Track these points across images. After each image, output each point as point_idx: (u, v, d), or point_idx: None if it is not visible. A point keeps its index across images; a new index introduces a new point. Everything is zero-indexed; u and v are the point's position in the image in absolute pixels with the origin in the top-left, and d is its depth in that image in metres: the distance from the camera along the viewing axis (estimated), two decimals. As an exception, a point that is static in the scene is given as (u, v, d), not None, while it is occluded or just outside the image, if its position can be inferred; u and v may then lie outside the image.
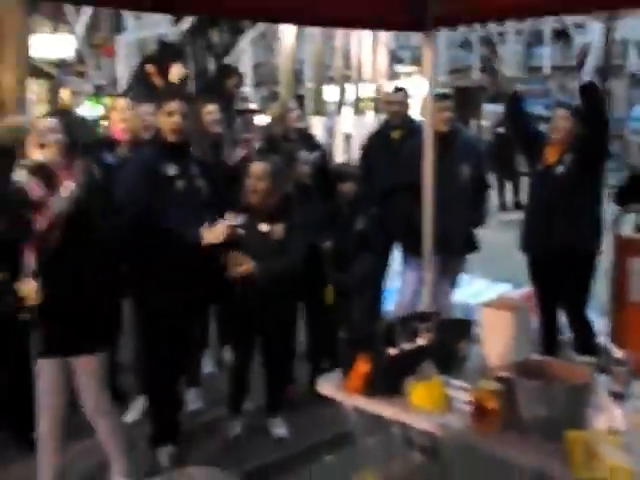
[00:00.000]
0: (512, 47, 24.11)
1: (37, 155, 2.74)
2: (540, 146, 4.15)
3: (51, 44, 11.23)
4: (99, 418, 2.96)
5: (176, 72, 4.89)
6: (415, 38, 23.65)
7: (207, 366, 4.42)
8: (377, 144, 4.87)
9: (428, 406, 2.37)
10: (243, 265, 3.34)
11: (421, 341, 2.67)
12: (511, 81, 4.79)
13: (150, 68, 4.88)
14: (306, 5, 3.00)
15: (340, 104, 12.66)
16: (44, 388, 2.85)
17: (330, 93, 15.05)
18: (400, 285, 4.61)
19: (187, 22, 11.22)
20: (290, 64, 10.77)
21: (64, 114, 3.04)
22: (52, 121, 2.81)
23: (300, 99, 14.63)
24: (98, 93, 13.68)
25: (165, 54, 5.32)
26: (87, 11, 10.79)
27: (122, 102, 3.99)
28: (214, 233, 3.18)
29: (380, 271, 4.71)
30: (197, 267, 3.42)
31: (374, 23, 3.86)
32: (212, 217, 3.49)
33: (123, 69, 14.23)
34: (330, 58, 15.49)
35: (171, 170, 3.45)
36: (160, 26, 16.96)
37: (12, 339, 3.10)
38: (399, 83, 16.24)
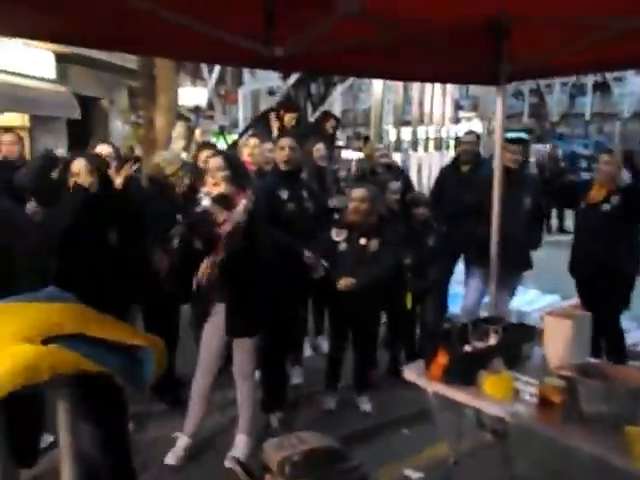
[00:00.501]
0: (557, 96, 23.20)
1: (215, 189, 2.88)
2: (578, 196, 4.05)
3: (190, 95, 11.74)
4: (241, 380, 3.04)
5: (288, 119, 5.03)
6: (474, 89, 23.29)
7: (306, 350, 4.46)
8: (449, 175, 4.80)
9: (499, 395, 2.29)
10: (345, 279, 3.36)
11: (492, 341, 2.59)
12: (556, 125, 4.69)
13: (272, 115, 5.06)
14: (398, 63, 3.01)
15: (413, 143, 12.54)
16: (207, 350, 2.98)
17: (406, 133, 14.95)
18: (465, 291, 4.50)
19: (293, 77, 11.46)
20: (379, 109, 10.79)
21: (223, 153, 3.14)
22: (217, 160, 2.93)
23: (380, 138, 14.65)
24: (221, 131, 14.10)
25: (283, 105, 5.50)
26: (217, 69, 11.22)
27: (252, 140, 4.10)
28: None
29: (447, 279, 4.64)
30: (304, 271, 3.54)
31: (455, 78, 3.80)
32: (316, 233, 3.58)
33: (242, 113, 14.68)
34: (407, 105, 15.43)
35: (284, 194, 3.57)
36: (271, 80, 17.45)
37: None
38: (461, 127, 16.02)
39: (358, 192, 3.50)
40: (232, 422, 3.25)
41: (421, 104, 10.28)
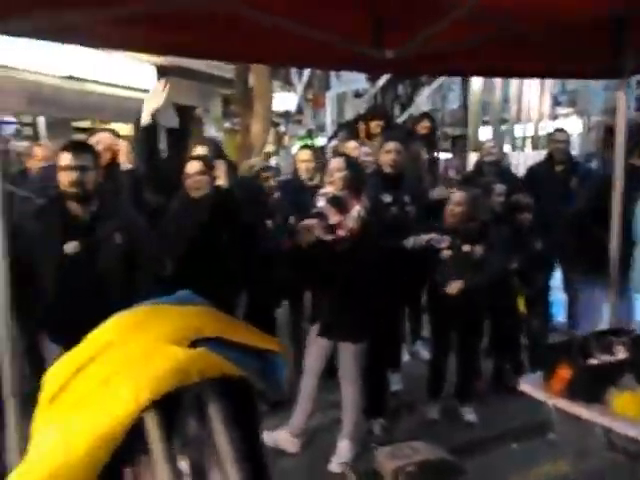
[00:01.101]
0: (668, 87, 21.34)
1: (330, 189, 2.91)
2: None
3: (279, 100, 12.01)
4: (346, 384, 3.05)
5: (374, 126, 5.02)
6: (572, 83, 22.00)
7: (404, 356, 4.39)
8: (541, 176, 4.56)
9: (631, 413, 2.11)
10: (455, 283, 3.27)
11: (620, 354, 2.40)
12: None
13: (361, 123, 5.08)
14: (511, 60, 2.88)
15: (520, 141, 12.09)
16: (313, 354, 3.02)
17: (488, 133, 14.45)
18: (584, 301, 4.22)
19: (382, 79, 11.40)
20: (478, 109, 10.51)
21: (346, 155, 3.17)
22: (338, 160, 2.96)
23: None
24: (309, 135, 14.30)
25: (370, 113, 5.51)
26: (306, 73, 11.39)
27: (352, 144, 4.11)
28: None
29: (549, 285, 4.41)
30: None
31: (572, 73, 3.59)
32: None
33: (330, 116, 14.82)
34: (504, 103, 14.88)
35: (387, 198, 3.53)
36: (357, 82, 17.48)
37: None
38: (558, 123, 15.19)
39: (456, 196, 3.40)
40: (333, 424, 3.26)
41: (518, 101, 9.87)
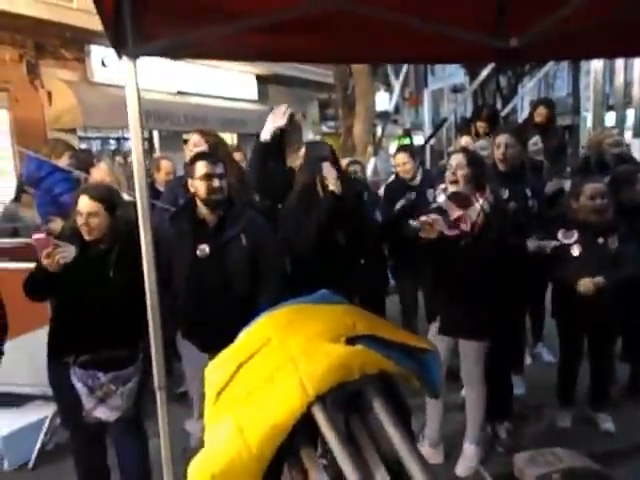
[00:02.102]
0: None
1: (452, 186, 2.92)
2: None
3: (379, 101, 11.99)
4: (469, 387, 2.99)
5: (482, 129, 4.87)
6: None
7: (526, 359, 4.20)
8: None
9: None
10: (589, 281, 3.07)
11: None
12: None
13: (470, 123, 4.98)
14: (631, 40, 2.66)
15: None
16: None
17: (609, 119, 13.45)
18: None
19: (483, 72, 11.00)
20: (600, 95, 9.87)
21: (467, 151, 3.13)
22: (459, 157, 2.93)
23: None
24: (408, 134, 14.14)
25: (476, 114, 5.38)
26: (403, 71, 11.24)
27: (465, 139, 4.03)
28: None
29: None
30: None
31: None
32: (539, 232, 3.34)
33: (426, 114, 14.58)
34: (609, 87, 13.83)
35: (504, 194, 3.40)
36: (454, 77, 17.05)
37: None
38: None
39: (594, 188, 3.17)
40: (458, 427, 3.19)
41: (638, 84, 9.09)
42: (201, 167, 2.65)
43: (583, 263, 3.10)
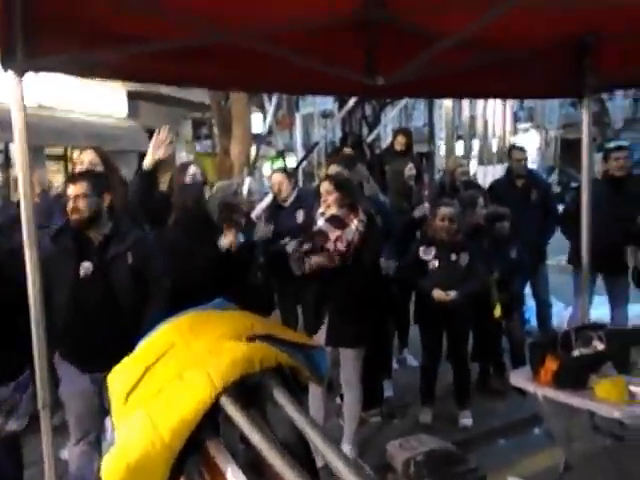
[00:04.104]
0: (620, 102, 22.55)
1: (328, 210, 3.16)
2: None
3: (254, 122, 12.19)
4: (348, 391, 3.23)
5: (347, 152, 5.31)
6: (529, 100, 22.95)
7: (393, 363, 4.58)
8: (503, 190, 4.86)
9: (613, 398, 2.37)
10: (440, 292, 3.51)
11: (599, 346, 2.67)
12: (618, 133, 4.73)
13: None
14: (487, 82, 3.17)
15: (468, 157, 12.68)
16: None
17: (459, 148, 15.04)
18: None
19: (350, 101, 11.73)
20: (451, 127, 10.95)
21: (333, 177, 3.39)
22: (325, 184, 3.18)
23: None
24: (281, 155, 14.48)
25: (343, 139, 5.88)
26: (274, 96, 11.64)
27: (333, 167, 4.34)
28: None
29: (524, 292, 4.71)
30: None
31: (537, 93, 3.93)
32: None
33: (298, 136, 15.09)
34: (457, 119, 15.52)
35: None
36: (324, 103, 17.93)
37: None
38: (518, 138, 15.88)
39: (447, 211, 3.64)
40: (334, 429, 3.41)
41: (481, 118, 10.44)
42: (69, 188, 2.65)
43: (439, 276, 3.55)
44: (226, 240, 3.07)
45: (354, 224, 3.08)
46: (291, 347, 1.48)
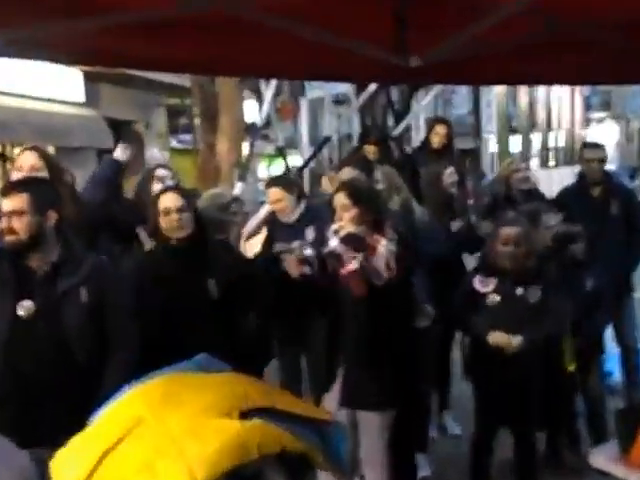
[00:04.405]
0: None
1: (346, 227, 3.13)
2: None
3: (247, 111, 12.26)
4: (368, 469, 3.20)
5: (370, 152, 5.33)
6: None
7: (431, 431, 4.51)
8: (575, 202, 4.81)
9: None
10: (501, 335, 3.43)
11: None
12: None
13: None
14: (550, 64, 3.14)
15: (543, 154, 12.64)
16: None
17: (515, 143, 15.05)
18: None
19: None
20: (503, 116, 10.96)
21: (349, 185, 3.37)
22: (340, 197, 3.15)
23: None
24: (281, 153, 14.59)
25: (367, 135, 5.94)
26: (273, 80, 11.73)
27: (348, 171, 4.33)
28: None
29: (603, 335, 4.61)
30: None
31: (622, 77, 3.89)
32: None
33: (304, 128, 15.14)
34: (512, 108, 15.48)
35: None
36: (337, 86, 18.02)
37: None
38: (592, 131, 15.78)
39: (511, 232, 3.56)
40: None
41: (543, 106, 10.35)
42: (7, 202, 2.63)
43: (500, 315, 3.48)
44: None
45: (382, 245, 3.03)
46: (299, 423, 1.42)
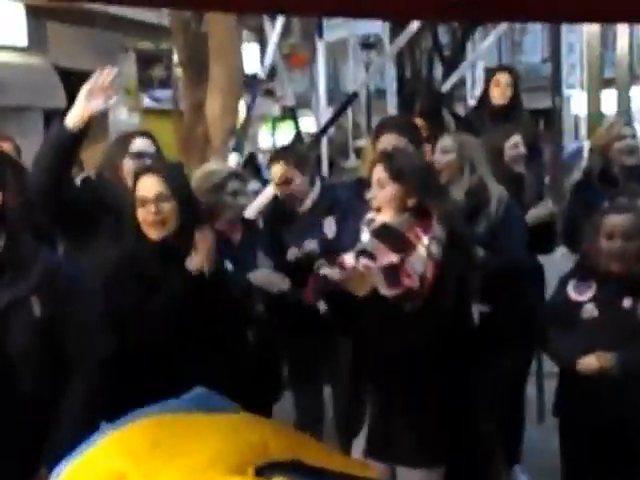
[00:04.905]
0: None
1: (380, 216, 3.14)
2: None
3: (245, 58, 12.23)
4: None
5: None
6: None
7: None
8: None
9: None
10: (597, 357, 3.41)
11: None
12: None
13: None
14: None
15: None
16: None
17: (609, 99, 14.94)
18: None
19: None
20: (596, 64, 10.80)
21: (389, 157, 3.37)
22: (378, 170, 3.15)
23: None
24: (292, 115, 14.62)
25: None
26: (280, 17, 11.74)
27: (389, 138, 4.33)
28: None
29: None
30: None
31: None
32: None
33: (321, 81, 15.07)
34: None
35: None
36: (364, 24, 17.97)
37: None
38: None
39: (619, 220, 3.50)
40: None
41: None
42: None
43: (595, 333, 3.45)
44: (197, 259, 3.06)
45: (423, 245, 3.04)
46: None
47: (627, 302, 3.48)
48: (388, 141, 4.11)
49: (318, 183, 4.29)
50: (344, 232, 3.87)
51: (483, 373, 3.55)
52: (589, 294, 3.50)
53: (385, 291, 2.97)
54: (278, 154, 4.59)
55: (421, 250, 3.04)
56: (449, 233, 3.18)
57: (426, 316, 3.05)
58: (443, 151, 4.12)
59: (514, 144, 4.41)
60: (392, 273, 3.02)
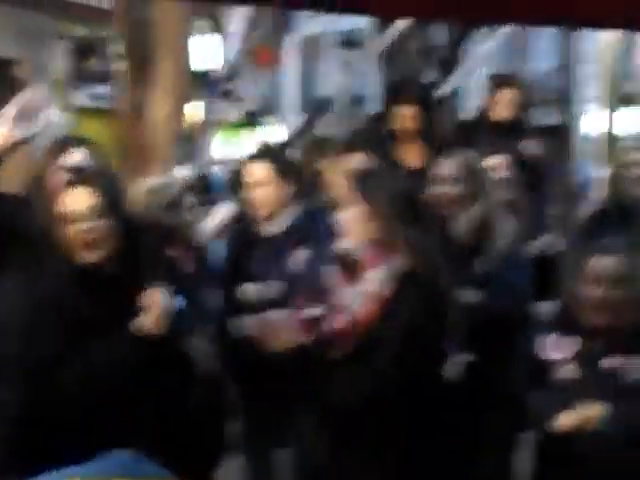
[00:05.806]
0: None
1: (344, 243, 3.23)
2: None
3: (200, 52, 12.25)
4: None
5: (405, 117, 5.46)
6: None
7: None
8: None
9: None
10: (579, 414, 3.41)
11: None
12: None
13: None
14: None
15: None
16: None
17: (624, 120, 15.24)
18: None
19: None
20: (612, 76, 11.05)
21: (368, 182, 3.44)
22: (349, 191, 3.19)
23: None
24: (249, 121, 14.75)
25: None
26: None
27: (358, 158, 4.39)
28: None
29: None
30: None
31: None
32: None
33: (292, 84, 15.24)
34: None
35: None
36: (346, 18, 18.15)
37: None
38: None
39: (605, 263, 3.55)
40: None
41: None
42: None
43: (577, 397, 3.43)
44: (146, 323, 3.03)
45: (373, 276, 3.12)
46: None
47: (615, 362, 3.50)
48: (357, 160, 4.17)
49: (297, 206, 4.32)
50: (313, 267, 3.88)
51: (461, 438, 3.60)
52: (571, 351, 3.52)
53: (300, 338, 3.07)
54: (261, 152, 4.75)
55: (365, 284, 3.11)
56: (413, 268, 3.21)
57: (358, 364, 3.12)
58: (447, 180, 4.12)
59: (493, 166, 4.43)
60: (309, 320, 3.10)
